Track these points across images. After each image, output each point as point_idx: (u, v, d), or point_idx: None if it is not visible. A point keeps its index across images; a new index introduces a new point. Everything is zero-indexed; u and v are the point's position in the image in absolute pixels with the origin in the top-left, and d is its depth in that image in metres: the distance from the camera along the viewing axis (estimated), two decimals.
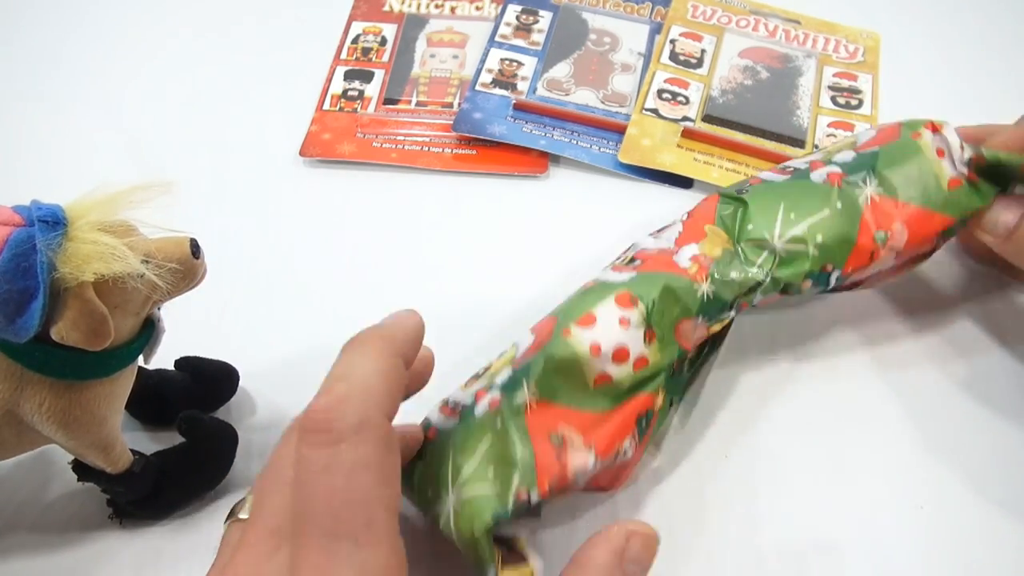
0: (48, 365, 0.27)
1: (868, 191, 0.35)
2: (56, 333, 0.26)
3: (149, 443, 0.36)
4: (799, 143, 0.48)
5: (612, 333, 0.31)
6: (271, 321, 0.41)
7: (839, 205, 0.35)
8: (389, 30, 0.55)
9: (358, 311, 0.41)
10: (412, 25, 0.55)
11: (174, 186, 0.27)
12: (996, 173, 0.36)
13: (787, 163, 0.39)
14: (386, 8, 0.56)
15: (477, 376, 0.33)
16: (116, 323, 0.27)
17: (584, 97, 0.51)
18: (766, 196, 0.36)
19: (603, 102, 0.50)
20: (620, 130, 0.49)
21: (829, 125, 0.49)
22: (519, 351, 0.32)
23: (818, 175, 0.36)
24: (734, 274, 0.34)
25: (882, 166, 0.36)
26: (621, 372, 0.31)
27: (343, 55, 0.54)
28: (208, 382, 0.37)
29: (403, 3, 0.57)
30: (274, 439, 0.36)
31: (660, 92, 0.50)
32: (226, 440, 0.35)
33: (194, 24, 0.56)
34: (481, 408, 0.31)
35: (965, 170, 0.36)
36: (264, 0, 0.58)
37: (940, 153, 0.36)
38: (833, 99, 0.51)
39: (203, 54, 0.54)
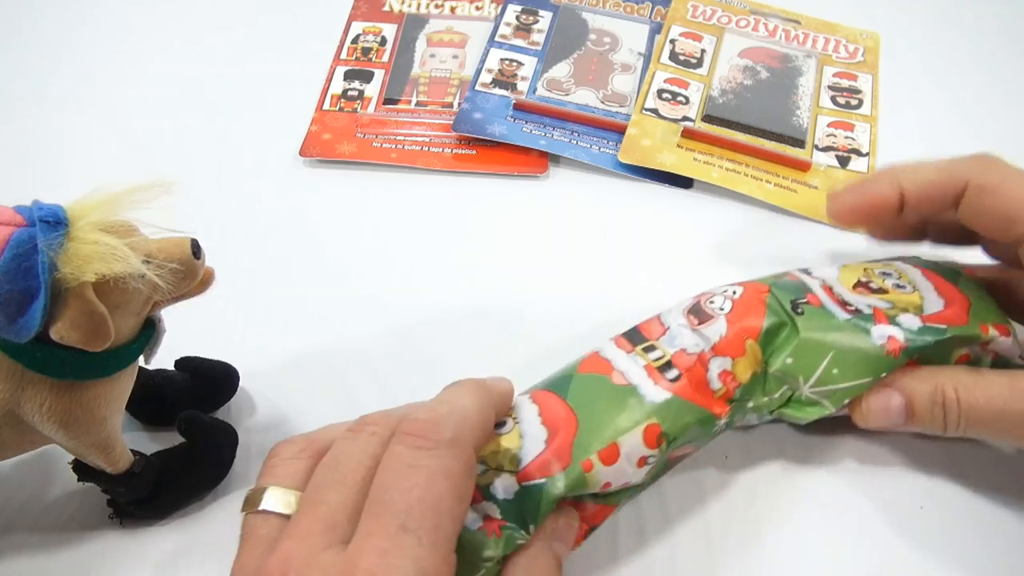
0: (49, 365, 0.27)
1: (908, 362, 0.33)
2: (55, 333, 0.26)
3: (149, 443, 0.36)
4: (799, 143, 0.48)
5: (627, 472, 0.30)
6: (271, 321, 0.41)
7: (884, 376, 0.33)
8: (389, 30, 0.55)
9: (358, 311, 0.42)
10: (412, 25, 0.55)
11: (175, 186, 0.27)
12: None
13: (847, 296, 0.35)
14: (386, 8, 0.56)
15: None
16: (117, 323, 0.27)
17: (584, 97, 0.51)
18: (820, 335, 0.33)
19: (603, 102, 0.50)
20: (620, 130, 0.49)
21: (829, 125, 0.49)
22: (524, 449, 0.29)
23: (879, 334, 0.33)
24: (751, 403, 0.33)
25: (941, 349, 0.33)
26: (608, 491, 0.30)
27: (343, 55, 0.54)
28: (208, 382, 0.37)
29: (403, 3, 0.57)
30: (274, 439, 0.36)
31: (660, 92, 0.50)
32: (226, 440, 0.35)
33: (194, 25, 0.56)
34: (474, 523, 0.28)
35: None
36: (264, 0, 0.58)
37: (985, 346, 0.34)
38: (833, 99, 0.51)
39: (203, 54, 0.54)
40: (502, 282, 0.43)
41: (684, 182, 0.47)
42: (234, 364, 0.38)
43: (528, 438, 0.29)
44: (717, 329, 0.33)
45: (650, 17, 0.56)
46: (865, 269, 0.36)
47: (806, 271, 0.37)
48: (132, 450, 0.32)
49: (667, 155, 0.47)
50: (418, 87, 0.51)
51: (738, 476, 0.36)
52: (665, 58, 0.52)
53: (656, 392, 0.31)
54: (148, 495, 0.33)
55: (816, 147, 0.48)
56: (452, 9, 0.56)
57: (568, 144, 0.48)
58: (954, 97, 0.52)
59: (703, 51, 0.53)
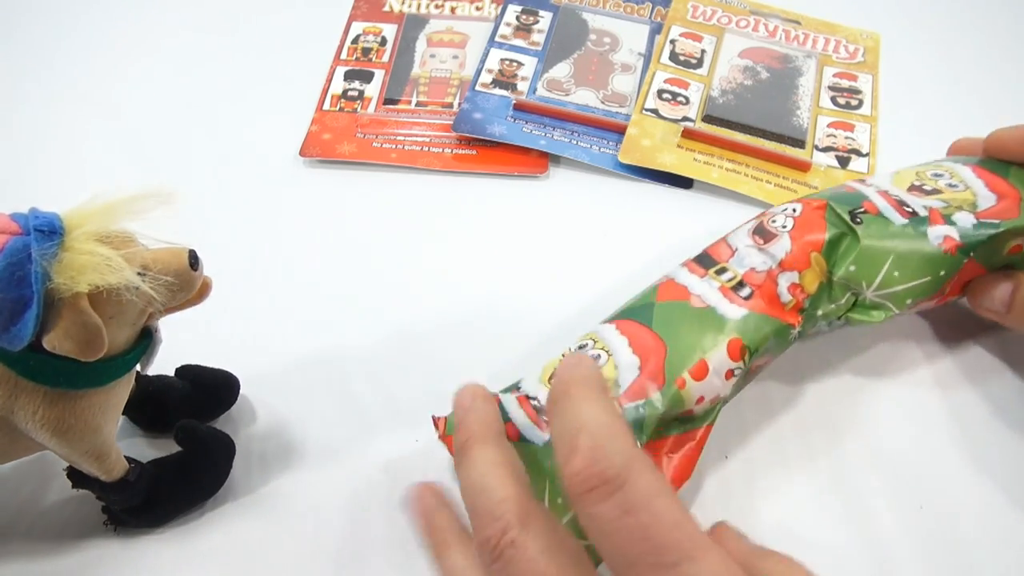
0: (42, 373, 0.27)
1: (967, 260, 0.34)
2: (48, 343, 0.26)
3: (148, 450, 0.36)
4: (799, 143, 0.48)
5: (717, 386, 0.32)
6: (271, 324, 0.41)
7: (942, 273, 0.34)
8: (389, 30, 0.55)
9: (359, 313, 0.42)
10: (412, 25, 0.55)
11: (175, 196, 0.27)
12: None
13: (903, 196, 0.36)
14: (386, 8, 0.56)
15: None
16: (111, 334, 0.27)
17: (584, 97, 0.51)
18: (879, 242, 0.34)
19: (603, 102, 0.50)
20: (620, 130, 0.49)
21: (829, 125, 0.49)
22: (620, 377, 0.31)
23: (935, 235, 0.34)
24: (820, 311, 0.35)
25: (994, 243, 0.34)
26: (702, 409, 0.32)
27: (343, 55, 0.54)
28: (208, 391, 0.37)
29: (403, 3, 0.57)
30: (274, 448, 0.36)
31: (660, 92, 0.50)
32: (222, 450, 0.35)
33: (194, 25, 0.56)
34: None
35: None
36: (264, 0, 0.58)
37: None
38: (833, 99, 0.51)
39: (203, 55, 0.54)
40: (502, 282, 0.43)
41: (684, 182, 0.47)
42: (234, 369, 0.37)
43: (622, 368, 0.31)
44: (782, 246, 0.35)
45: (650, 17, 0.56)
46: (917, 173, 0.38)
47: (861, 181, 0.38)
48: (127, 458, 0.32)
49: (667, 155, 0.47)
50: (418, 87, 0.51)
51: (737, 476, 0.36)
52: (665, 58, 0.52)
53: (733, 310, 0.33)
54: (142, 503, 0.33)
55: (816, 147, 0.48)
56: (452, 9, 0.56)
57: (568, 144, 0.48)
58: (954, 97, 0.52)
59: (703, 51, 0.53)
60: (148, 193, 0.27)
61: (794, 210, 0.36)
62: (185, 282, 0.28)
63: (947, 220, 0.35)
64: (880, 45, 0.54)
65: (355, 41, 0.54)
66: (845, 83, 0.52)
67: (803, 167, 0.47)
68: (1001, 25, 0.57)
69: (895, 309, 0.34)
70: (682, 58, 0.52)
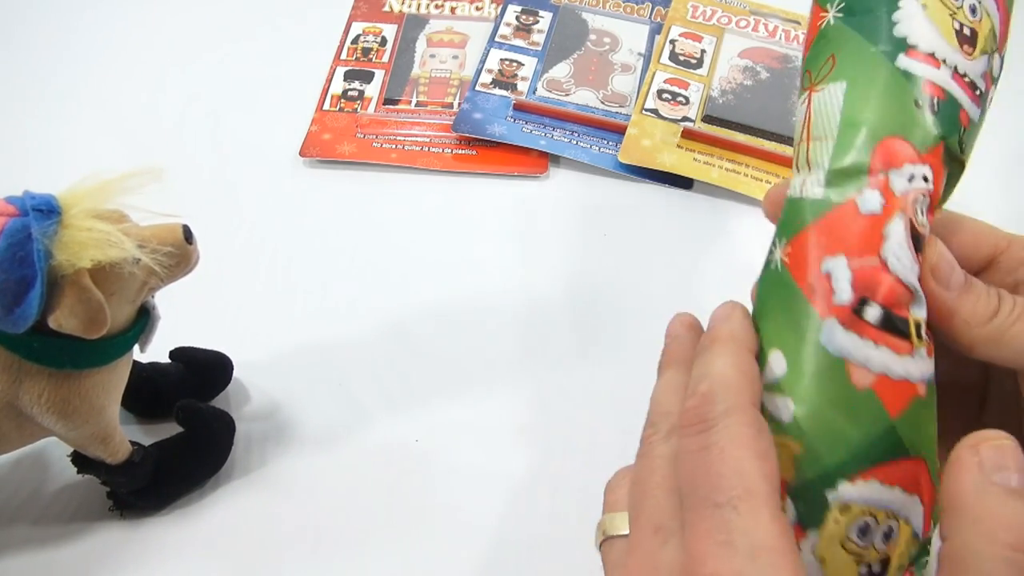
0: (46, 355, 0.28)
1: None
2: (54, 321, 0.26)
3: (144, 437, 0.36)
4: None
5: None
6: (270, 316, 0.41)
7: None
8: (389, 30, 0.55)
9: (357, 309, 0.42)
10: (412, 25, 0.55)
11: (164, 172, 0.28)
12: None
13: (968, 71, 0.29)
14: (386, 8, 0.56)
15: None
16: (113, 311, 0.27)
17: (584, 97, 0.51)
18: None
19: (603, 102, 0.50)
20: (620, 130, 0.49)
21: None
22: (912, 524, 0.26)
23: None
24: None
25: None
26: None
27: (343, 55, 0.54)
28: (202, 372, 0.37)
29: (403, 3, 0.57)
30: (269, 427, 0.37)
31: (660, 92, 0.50)
32: (223, 427, 0.35)
33: (195, 25, 0.56)
34: None
35: None
36: (265, 1, 0.58)
37: None
38: None
39: (203, 55, 0.54)
40: (501, 282, 0.43)
41: (684, 182, 0.47)
42: (229, 355, 0.38)
43: (915, 523, 0.27)
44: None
45: (650, 17, 0.56)
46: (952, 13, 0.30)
47: (929, 56, 0.29)
48: (130, 440, 0.32)
49: (667, 155, 0.47)
50: (418, 87, 0.52)
51: None
52: (665, 58, 0.52)
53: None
54: (148, 484, 0.33)
55: None
56: (452, 9, 0.56)
57: (568, 144, 0.48)
58: None
59: (703, 51, 0.53)
60: (138, 171, 0.27)
61: (925, 178, 0.28)
62: (183, 255, 0.29)
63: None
64: None
65: (355, 41, 0.54)
66: None
67: None
68: None
69: None
70: (682, 58, 0.53)
